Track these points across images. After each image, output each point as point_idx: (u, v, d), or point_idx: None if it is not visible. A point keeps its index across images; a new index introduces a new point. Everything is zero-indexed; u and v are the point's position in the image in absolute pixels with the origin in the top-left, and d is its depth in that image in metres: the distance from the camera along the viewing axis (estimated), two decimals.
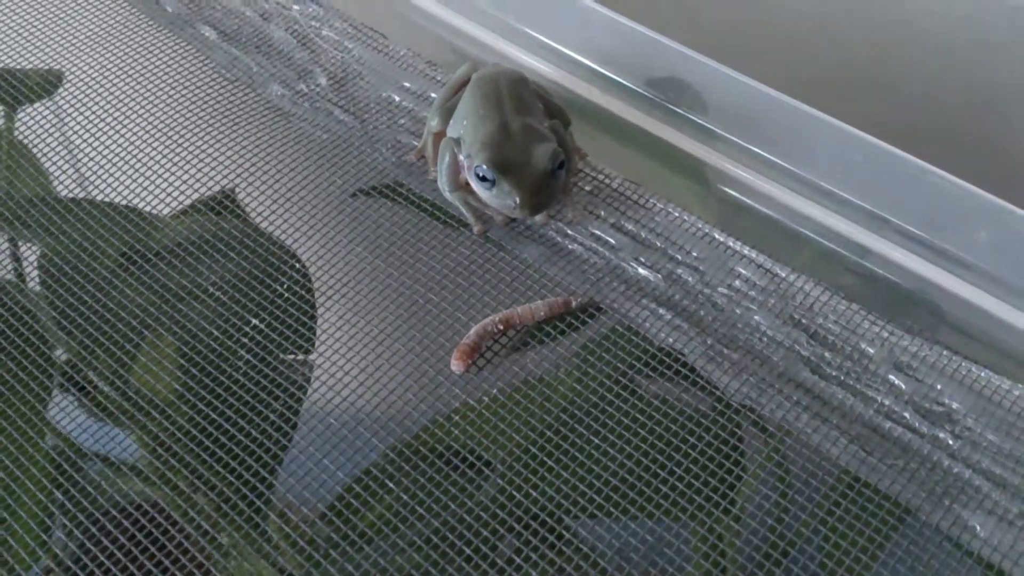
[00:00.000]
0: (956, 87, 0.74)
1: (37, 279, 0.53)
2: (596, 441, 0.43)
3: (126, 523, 0.43)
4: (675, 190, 0.55)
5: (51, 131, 0.59)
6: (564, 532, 0.41)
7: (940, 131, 0.72)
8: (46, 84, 0.62)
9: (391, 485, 0.43)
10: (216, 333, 0.48)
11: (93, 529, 0.42)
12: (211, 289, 0.50)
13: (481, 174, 0.47)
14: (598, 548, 0.41)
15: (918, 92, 0.74)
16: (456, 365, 0.45)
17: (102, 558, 0.41)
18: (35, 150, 0.58)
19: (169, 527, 0.43)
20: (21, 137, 0.58)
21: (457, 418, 0.45)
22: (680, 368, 0.45)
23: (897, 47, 0.75)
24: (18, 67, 0.62)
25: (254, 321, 0.49)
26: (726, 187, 0.55)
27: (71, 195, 0.55)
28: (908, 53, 0.75)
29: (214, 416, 0.45)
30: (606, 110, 0.58)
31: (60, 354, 0.49)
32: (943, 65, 0.73)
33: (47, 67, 0.62)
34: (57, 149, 0.57)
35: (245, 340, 0.48)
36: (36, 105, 0.60)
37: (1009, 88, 0.72)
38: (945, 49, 0.73)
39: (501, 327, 0.46)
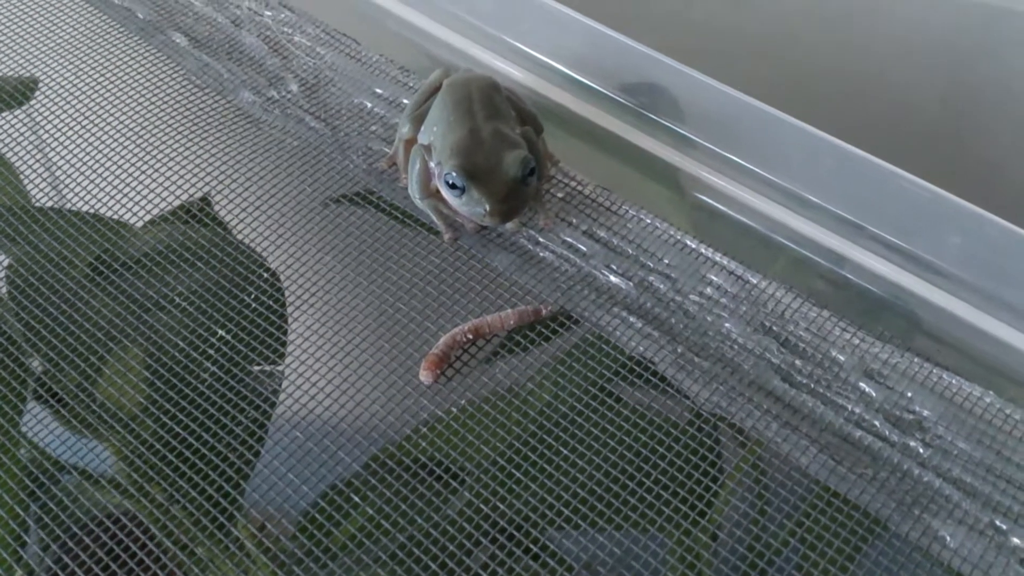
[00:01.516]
0: (929, 93, 0.74)
1: (6, 291, 0.52)
2: (569, 451, 0.43)
3: (102, 535, 0.42)
4: (648, 197, 0.55)
5: (26, 137, 0.58)
6: (535, 544, 0.41)
7: (913, 137, 0.72)
8: (22, 91, 0.61)
9: (365, 495, 0.42)
10: (182, 345, 0.48)
11: (69, 542, 0.42)
12: (178, 300, 0.50)
13: (451, 181, 0.46)
14: (571, 559, 0.40)
15: (891, 99, 0.74)
16: (425, 375, 0.45)
17: (77, 571, 0.40)
18: (10, 156, 0.57)
19: (146, 540, 0.42)
20: None
21: (427, 430, 0.44)
22: (652, 377, 0.45)
23: (870, 54, 0.75)
24: None
25: (221, 332, 0.48)
26: (700, 193, 0.55)
27: (44, 203, 0.55)
28: (881, 60, 0.75)
29: (179, 429, 0.44)
30: (579, 116, 0.57)
31: (36, 364, 0.49)
32: (916, 71, 0.73)
33: (20, 74, 0.61)
34: (34, 154, 0.57)
35: (211, 352, 0.47)
36: (12, 112, 0.60)
37: (981, 93, 0.72)
38: (918, 56, 0.73)
39: (470, 336, 0.46)
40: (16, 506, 0.43)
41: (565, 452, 0.43)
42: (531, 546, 0.41)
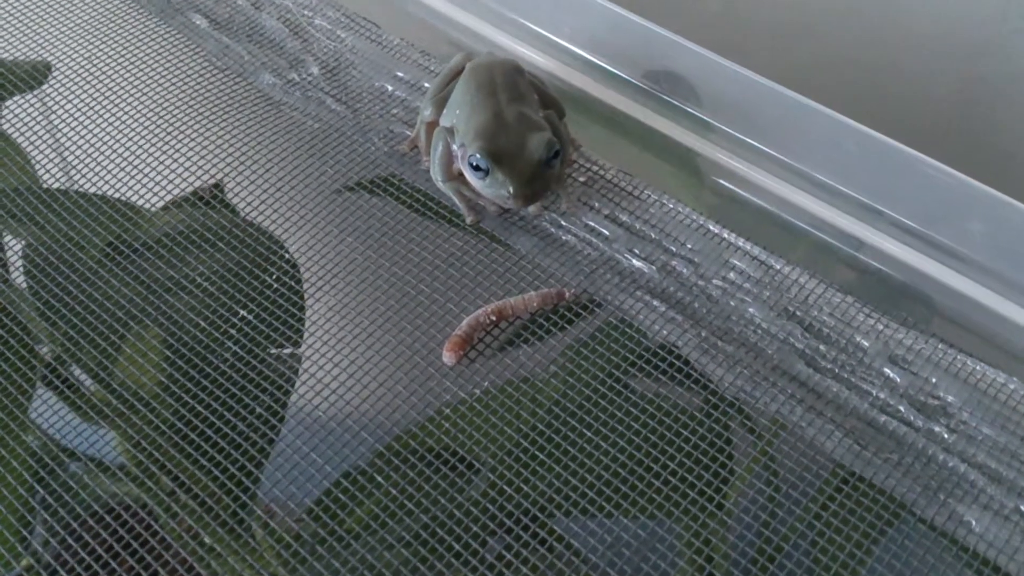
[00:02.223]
0: (943, 83, 0.74)
1: (21, 271, 0.52)
2: (586, 439, 0.42)
3: (111, 521, 0.42)
4: (669, 181, 0.55)
5: (38, 121, 0.58)
6: (549, 533, 0.41)
7: (927, 127, 0.71)
8: (35, 75, 0.61)
9: (380, 480, 0.42)
10: (203, 325, 0.47)
11: (76, 526, 0.42)
12: (199, 280, 0.50)
13: (475, 163, 0.46)
14: (588, 546, 0.40)
15: (905, 88, 0.74)
16: (448, 357, 0.45)
17: (85, 556, 0.40)
18: (22, 140, 0.57)
19: (158, 527, 0.42)
20: (7, 128, 0.57)
21: (442, 419, 0.44)
22: (674, 361, 0.45)
23: (885, 44, 0.75)
24: (7, 58, 0.61)
25: (242, 313, 0.48)
26: (720, 178, 0.55)
27: (57, 186, 0.55)
28: (896, 50, 0.74)
29: (200, 409, 0.44)
30: (600, 100, 0.57)
31: (44, 350, 0.49)
32: (930, 62, 0.73)
33: (36, 58, 0.61)
34: (45, 138, 0.57)
35: (232, 332, 0.47)
36: (23, 96, 0.59)
37: (995, 84, 0.72)
38: (932, 46, 0.73)
39: (493, 318, 0.46)
40: (23, 491, 0.43)
41: (585, 438, 0.42)
42: (546, 537, 0.41)
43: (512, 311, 0.46)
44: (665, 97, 0.56)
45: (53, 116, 0.58)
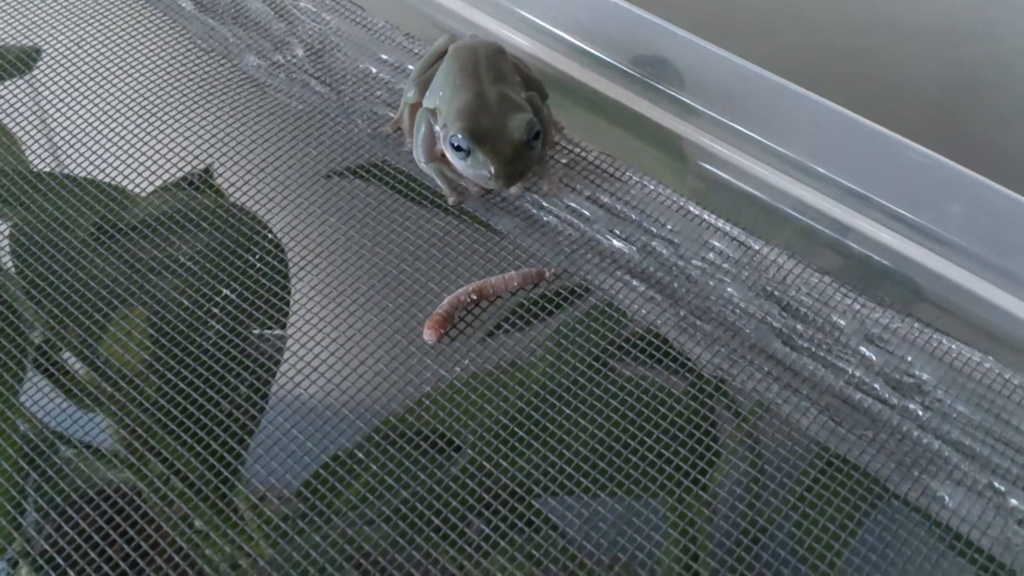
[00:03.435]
0: (930, 70, 0.74)
1: (8, 254, 0.52)
2: (571, 420, 0.43)
3: (103, 504, 0.42)
4: (654, 165, 0.55)
5: (27, 105, 0.58)
6: (535, 514, 0.41)
7: (913, 113, 0.72)
8: (24, 59, 0.61)
9: (367, 463, 0.42)
10: (187, 304, 0.48)
11: (70, 511, 0.42)
12: (183, 260, 0.50)
13: (456, 144, 0.46)
14: (571, 525, 0.41)
15: (892, 75, 0.74)
16: (428, 335, 0.45)
17: (80, 541, 0.41)
18: (11, 124, 0.57)
19: (147, 509, 0.42)
20: None
21: (429, 402, 0.44)
22: (657, 344, 0.45)
23: (872, 31, 0.75)
24: None
25: (225, 292, 0.48)
26: (703, 162, 0.55)
27: (46, 169, 0.55)
28: (883, 37, 0.74)
29: (181, 390, 0.44)
30: (583, 83, 0.57)
31: (35, 335, 0.49)
32: (917, 49, 0.73)
33: (26, 42, 0.61)
34: (33, 121, 0.57)
35: (216, 311, 0.47)
36: (13, 80, 0.59)
37: (981, 71, 0.72)
38: (920, 33, 0.73)
39: (474, 297, 0.46)
40: (15, 475, 0.44)
41: (569, 420, 0.43)
42: (532, 517, 0.41)
43: (493, 290, 0.47)
44: (650, 81, 0.56)
45: (41, 99, 0.58)
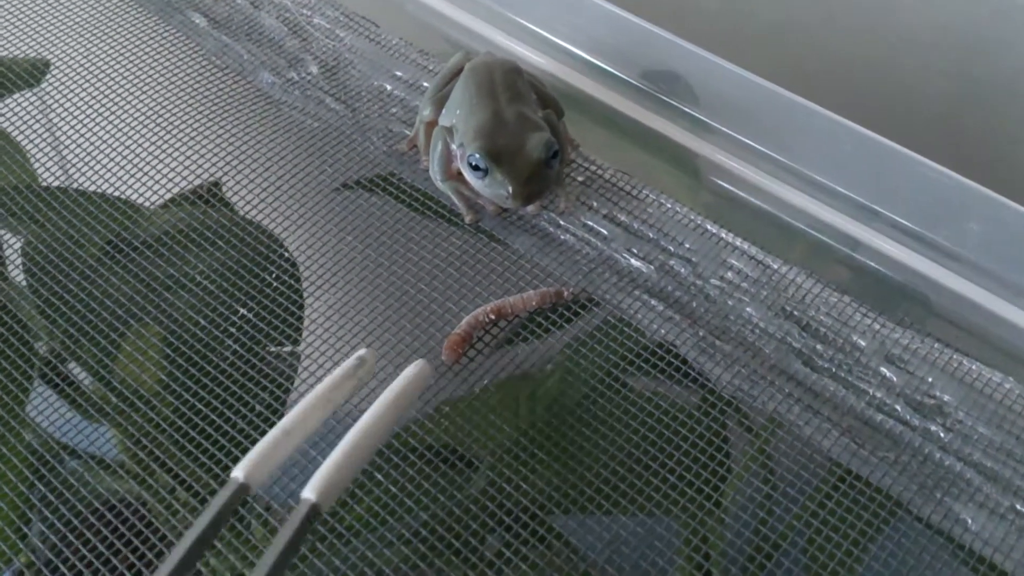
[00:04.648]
0: (938, 84, 0.74)
1: (20, 268, 0.52)
2: (584, 437, 0.43)
3: (110, 516, 0.42)
4: (667, 181, 0.55)
5: (37, 119, 0.58)
6: (548, 530, 0.41)
7: (921, 127, 0.72)
8: (33, 72, 0.61)
9: (379, 478, 0.42)
10: (203, 323, 0.48)
11: (75, 522, 0.42)
12: (199, 278, 0.50)
13: (474, 163, 0.46)
14: (586, 543, 0.40)
15: (900, 89, 0.75)
16: (446, 356, 0.45)
17: (85, 551, 0.40)
18: (20, 138, 0.57)
19: (158, 524, 0.42)
20: (6, 125, 0.57)
21: (441, 417, 0.44)
22: (672, 359, 0.45)
23: (880, 46, 0.75)
24: (5, 55, 0.61)
25: (242, 311, 0.48)
26: (718, 178, 0.55)
27: (55, 184, 0.55)
28: (891, 51, 0.75)
29: (195, 410, 0.44)
30: (598, 100, 0.57)
31: (41, 346, 0.49)
32: (925, 63, 0.74)
33: (34, 55, 0.61)
34: (41, 133, 0.57)
35: (232, 330, 0.47)
36: (22, 93, 0.59)
37: (989, 84, 0.72)
38: (927, 47, 0.73)
39: (492, 317, 0.46)
40: (21, 487, 0.43)
41: (578, 438, 0.43)
42: (545, 534, 0.41)
43: (511, 310, 0.46)
44: (663, 97, 0.56)
45: (52, 114, 0.58)
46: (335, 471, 0.35)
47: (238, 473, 0.35)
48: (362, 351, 0.40)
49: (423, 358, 0.45)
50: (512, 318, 0.47)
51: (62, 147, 0.56)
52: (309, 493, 0.35)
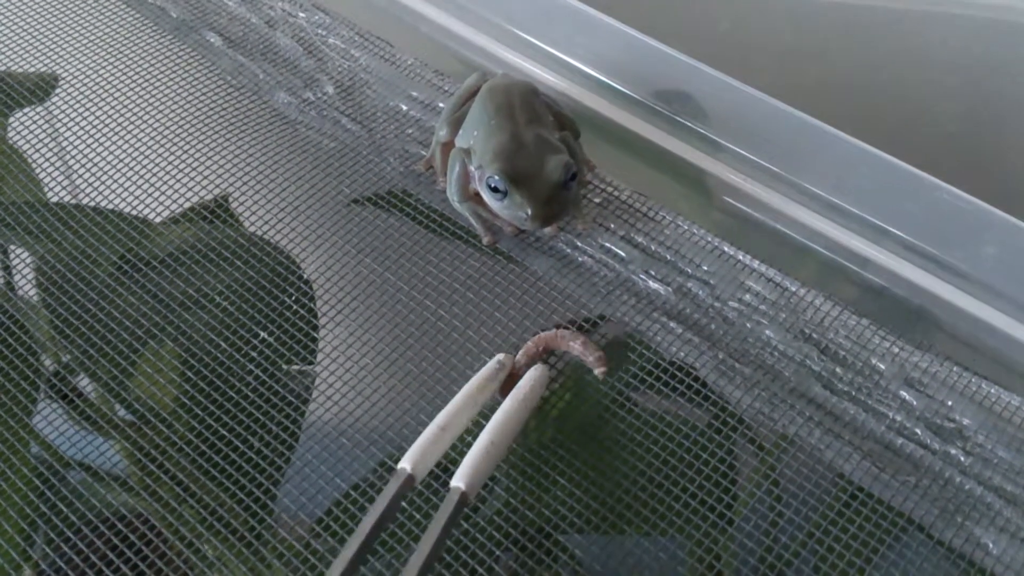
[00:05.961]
0: (949, 107, 0.74)
1: (32, 285, 0.52)
2: (596, 455, 0.43)
3: (109, 534, 0.42)
4: (678, 200, 0.55)
5: (46, 132, 0.58)
6: (562, 550, 0.41)
7: (933, 150, 0.72)
8: (42, 86, 0.61)
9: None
10: (219, 342, 0.47)
11: (75, 540, 0.42)
12: (216, 298, 0.50)
13: (493, 184, 0.46)
14: (599, 562, 0.41)
15: (911, 113, 0.75)
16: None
17: (84, 568, 0.40)
18: (29, 151, 0.57)
19: (155, 538, 0.42)
20: (14, 141, 0.57)
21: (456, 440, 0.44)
22: (685, 378, 0.45)
23: (892, 69, 0.75)
24: (16, 70, 0.61)
25: (263, 335, 0.48)
26: (729, 197, 0.55)
27: (66, 198, 0.55)
28: (902, 75, 0.75)
29: (217, 426, 0.44)
30: (613, 121, 0.58)
31: (48, 363, 0.48)
32: (936, 87, 0.74)
33: (44, 70, 0.61)
34: (51, 147, 0.57)
35: (248, 350, 0.47)
36: (32, 109, 0.59)
37: (999, 107, 0.73)
38: (938, 71, 0.74)
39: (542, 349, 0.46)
40: (24, 504, 0.43)
41: (590, 457, 0.43)
42: (559, 553, 0.41)
43: (560, 346, 0.46)
44: (678, 118, 0.57)
45: (64, 131, 0.58)
46: (479, 462, 0.39)
47: (405, 464, 0.40)
48: (500, 355, 0.44)
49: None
50: (562, 353, 0.46)
51: (71, 160, 0.56)
52: (458, 482, 0.39)
